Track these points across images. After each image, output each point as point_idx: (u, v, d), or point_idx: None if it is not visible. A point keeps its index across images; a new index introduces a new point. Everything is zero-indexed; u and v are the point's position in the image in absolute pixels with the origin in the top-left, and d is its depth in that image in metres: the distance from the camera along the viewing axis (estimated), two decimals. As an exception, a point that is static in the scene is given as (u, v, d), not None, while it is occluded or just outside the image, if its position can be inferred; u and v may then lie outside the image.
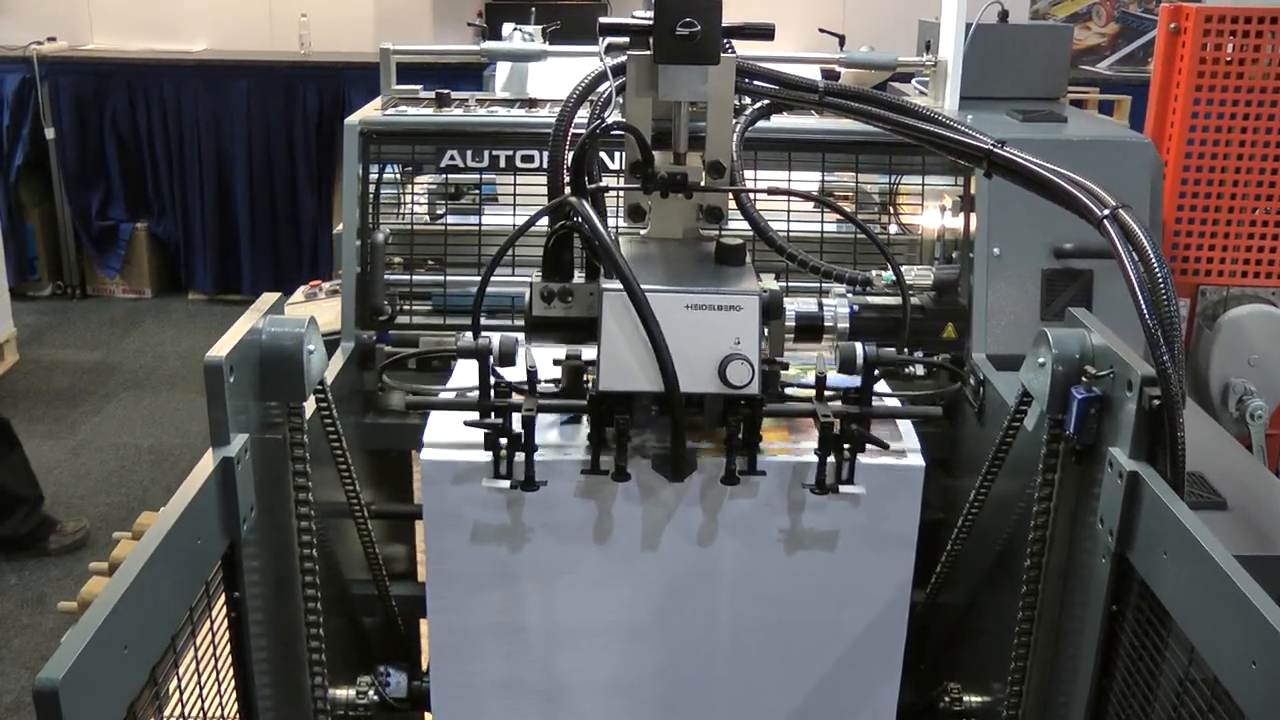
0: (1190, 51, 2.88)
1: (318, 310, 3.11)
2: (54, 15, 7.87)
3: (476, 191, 2.82)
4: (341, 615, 2.40)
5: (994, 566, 2.27)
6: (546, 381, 2.02)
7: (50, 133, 7.43)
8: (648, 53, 1.97)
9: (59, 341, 7.04)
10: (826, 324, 2.02)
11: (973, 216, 2.52)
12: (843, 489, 1.93)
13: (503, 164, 2.54)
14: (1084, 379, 1.81)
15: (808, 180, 2.62)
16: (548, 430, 2.02)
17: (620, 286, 1.81)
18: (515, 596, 2.07)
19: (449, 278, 2.61)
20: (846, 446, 1.93)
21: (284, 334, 1.82)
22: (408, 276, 2.62)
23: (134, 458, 5.45)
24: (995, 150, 1.97)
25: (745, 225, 2.11)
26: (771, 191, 2.15)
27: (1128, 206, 1.81)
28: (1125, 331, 1.92)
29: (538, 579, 2.05)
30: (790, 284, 2.52)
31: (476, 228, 2.62)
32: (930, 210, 2.66)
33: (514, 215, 2.58)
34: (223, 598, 1.71)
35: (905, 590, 2.09)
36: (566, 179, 2.01)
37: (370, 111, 2.62)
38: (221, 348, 1.68)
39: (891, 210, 2.67)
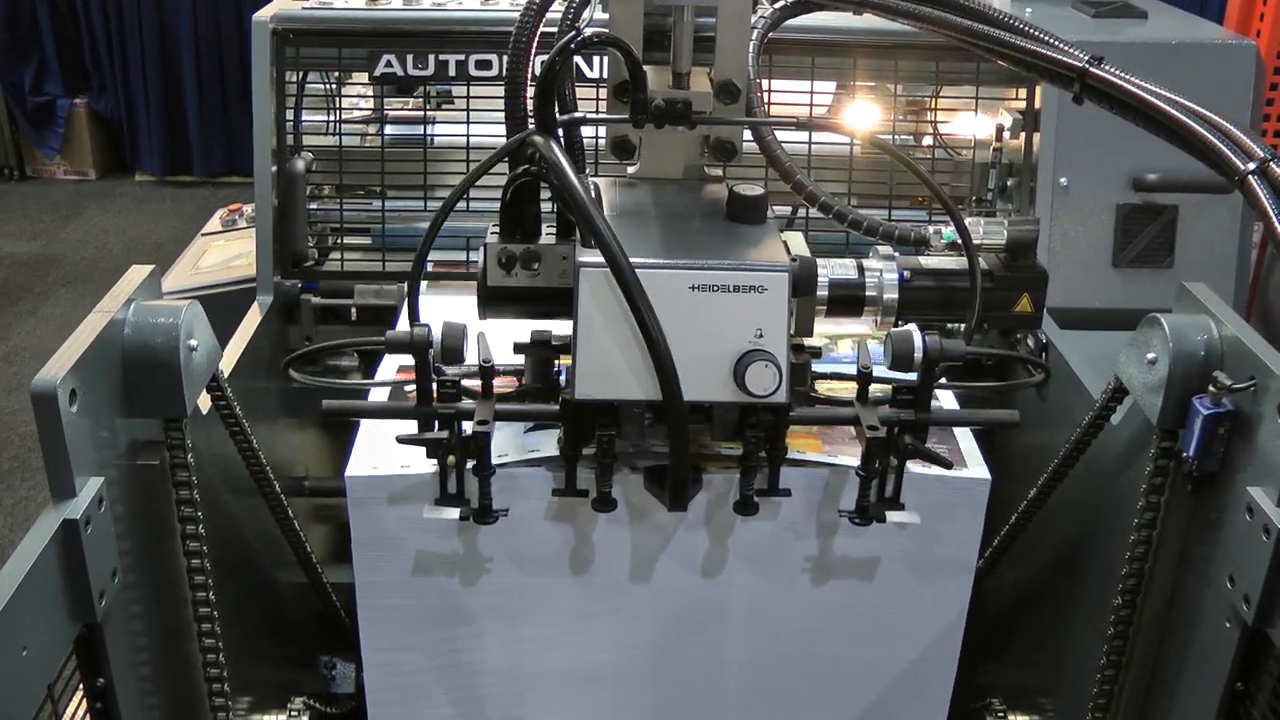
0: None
1: (239, 242, 2.65)
2: None
3: (426, 90, 2.33)
4: (272, 615, 2.00)
5: (1053, 573, 1.87)
6: (505, 372, 1.57)
7: (-27, -1, 6.77)
8: (637, -65, 1.48)
9: (-6, 230, 6.50)
10: (869, 294, 1.56)
11: (1036, 138, 2.04)
12: (890, 517, 1.51)
13: (453, 71, 2.03)
14: (1212, 388, 1.37)
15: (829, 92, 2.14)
16: (509, 433, 1.58)
17: (603, 260, 1.34)
18: (471, 636, 1.66)
19: (389, 207, 2.13)
20: (894, 457, 1.50)
21: (152, 329, 1.35)
22: (338, 208, 2.13)
23: (72, 366, 4.99)
24: (1091, 69, 1.49)
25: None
26: (802, 125, 1.66)
27: (1279, 158, 1.35)
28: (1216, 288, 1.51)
29: (498, 616, 1.64)
30: (809, 217, 2.06)
31: (422, 147, 2.13)
32: (981, 125, 2.17)
33: (468, 131, 2.09)
34: (80, 691, 1.29)
35: (959, 621, 1.70)
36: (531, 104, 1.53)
37: (288, 2, 2.10)
38: (57, 366, 1.22)
39: (932, 128, 2.18)
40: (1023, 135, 2.07)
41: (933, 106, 2.17)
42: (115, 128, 7.15)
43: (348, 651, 2.26)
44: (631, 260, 1.32)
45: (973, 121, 2.17)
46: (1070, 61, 1.51)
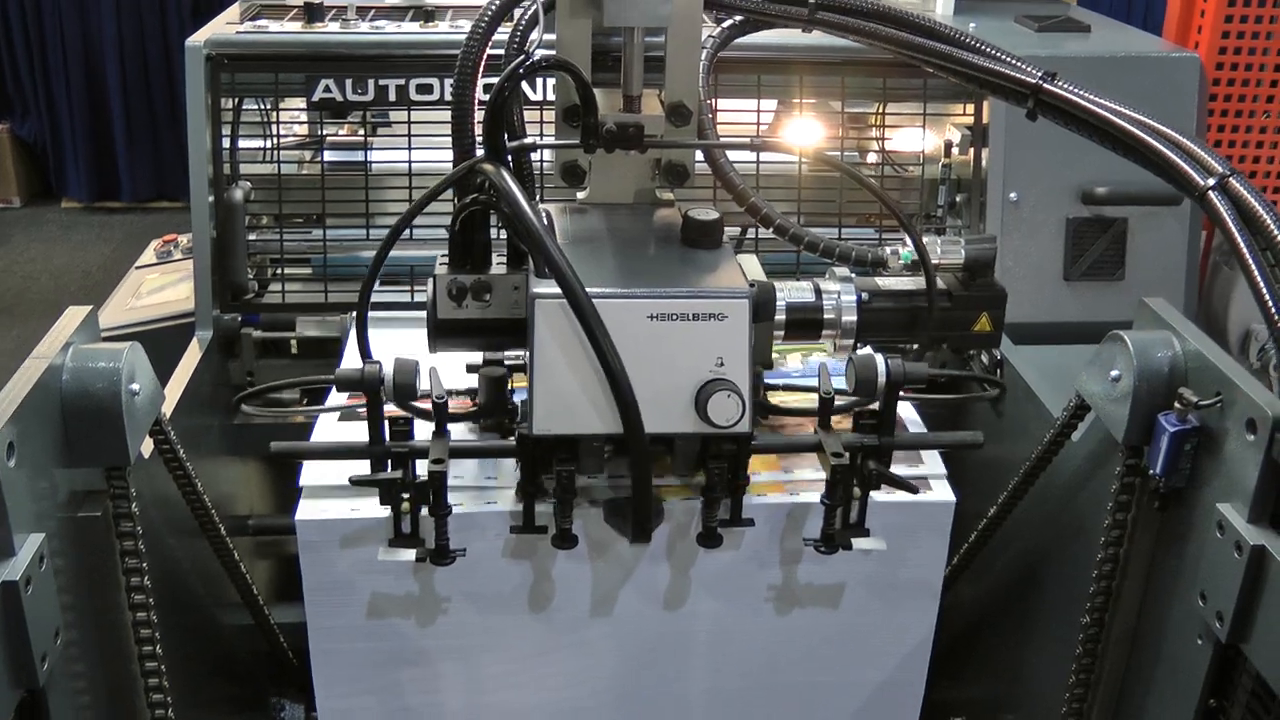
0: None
1: (174, 274, 2.57)
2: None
3: (365, 114, 2.28)
4: (219, 659, 1.93)
5: (1016, 590, 1.85)
6: (458, 394, 1.53)
7: (-114, 22, 6.57)
8: (583, -44, 1.45)
9: (-86, 260, 6.30)
10: (827, 316, 1.53)
11: (984, 153, 2.04)
12: (856, 544, 1.48)
13: (393, 95, 1.99)
14: (1178, 405, 1.36)
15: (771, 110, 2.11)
16: (463, 466, 1.54)
17: (559, 291, 1.30)
18: (429, 677, 1.61)
19: (330, 236, 2.07)
20: (858, 484, 1.48)
21: (92, 374, 1.29)
22: (278, 238, 2.07)
23: (-2, 401, 4.83)
24: (1045, 85, 1.48)
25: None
26: (755, 146, 1.64)
27: (1237, 173, 1.35)
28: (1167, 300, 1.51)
29: (457, 656, 1.59)
30: (758, 238, 2.03)
31: (363, 174, 2.08)
32: (928, 141, 2.16)
33: (409, 158, 2.04)
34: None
35: (926, 643, 1.68)
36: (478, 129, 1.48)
37: (221, 26, 2.04)
38: None
39: (879, 144, 2.17)
40: (971, 151, 2.07)
41: (879, 123, 2.16)
42: (39, 153, 6.96)
43: (298, 692, 2.20)
44: (588, 290, 1.29)
45: (920, 137, 2.16)
46: (1024, 78, 1.51)
